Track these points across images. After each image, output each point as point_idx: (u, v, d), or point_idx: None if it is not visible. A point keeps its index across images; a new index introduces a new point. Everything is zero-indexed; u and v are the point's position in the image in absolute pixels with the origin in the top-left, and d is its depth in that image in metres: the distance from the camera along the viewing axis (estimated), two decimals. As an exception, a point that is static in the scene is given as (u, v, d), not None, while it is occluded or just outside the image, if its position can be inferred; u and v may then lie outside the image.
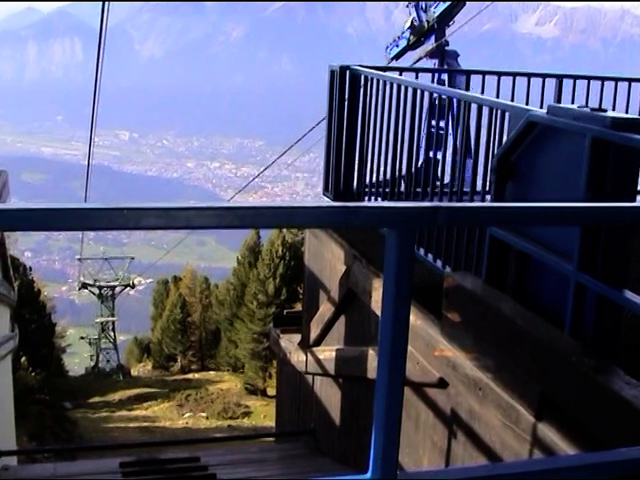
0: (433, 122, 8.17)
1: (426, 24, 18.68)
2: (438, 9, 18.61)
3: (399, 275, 2.17)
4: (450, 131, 7.23)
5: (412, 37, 18.86)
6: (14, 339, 13.52)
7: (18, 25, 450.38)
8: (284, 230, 46.81)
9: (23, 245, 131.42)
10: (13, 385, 14.32)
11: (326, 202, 2.26)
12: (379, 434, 2.33)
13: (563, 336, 5.02)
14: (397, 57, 19.51)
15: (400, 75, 8.76)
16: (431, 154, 7.67)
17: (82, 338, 72.31)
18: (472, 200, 6.88)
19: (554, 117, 5.26)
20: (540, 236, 5.30)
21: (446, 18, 18.76)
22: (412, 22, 19.07)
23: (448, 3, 18.42)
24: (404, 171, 8.11)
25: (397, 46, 19.66)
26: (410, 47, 18.75)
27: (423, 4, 18.57)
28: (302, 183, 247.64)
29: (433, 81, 8.76)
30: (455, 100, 7.04)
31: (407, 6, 19.26)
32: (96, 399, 47.66)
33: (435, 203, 2.18)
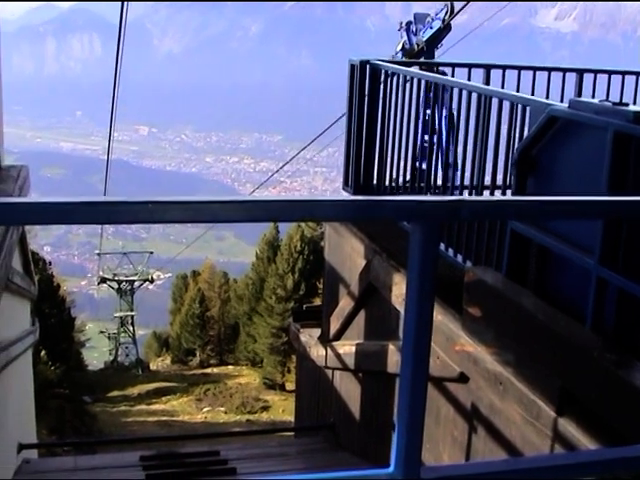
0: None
1: (416, 47, 19.79)
2: (426, 34, 19.19)
3: (423, 269, 2.17)
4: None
5: (404, 58, 19.70)
6: (35, 333, 13.58)
7: (37, 21, 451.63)
8: (303, 225, 46.85)
9: (42, 240, 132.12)
10: (33, 379, 14.38)
11: (350, 196, 2.26)
12: (402, 429, 2.33)
13: (584, 331, 5.01)
14: None
15: (420, 69, 8.76)
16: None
17: (101, 332, 72.63)
18: (492, 195, 6.88)
19: (576, 111, 5.24)
20: (561, 230, 5.29)
21: (434, 42, 19.78)
22: (403, 45, 20.18)
23: (436, 28, 18.99)
24: (424, 167, 8.11)
25: None
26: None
27: (414, 28, 19.24)
28: (321, 178, 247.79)
29: (453, 75, 8.74)
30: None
31: (399, 30, 19.87)
32: (115, 393, 47.80)
33: (459, 197, 2.18)
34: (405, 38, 19.39)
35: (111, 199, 1.98)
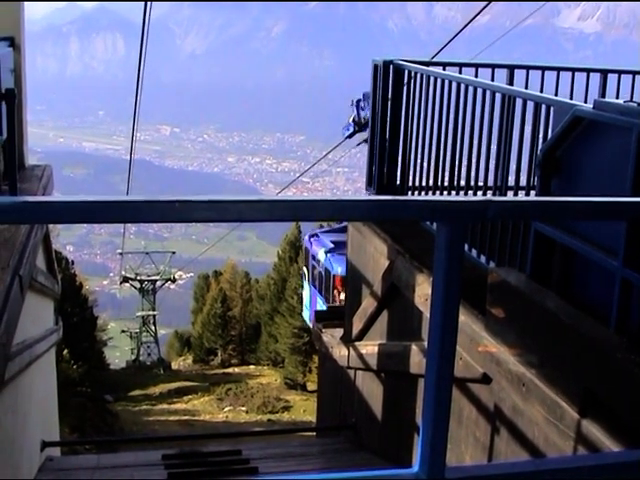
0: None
1: (363, 120, 22.52)
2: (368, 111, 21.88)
3: (449, 269, 2.17)
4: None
5: (355, 127, 23.12)
6: (58, 332, 13.64)
7: (60, 21, 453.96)
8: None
9: (65, 239, 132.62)
10: (56, 377, 14.45)
11: (376, 196, 2.27)
12: (427, 429, 2.34)
13: (608, 332, 4.99)
14: (350, 137, 24.12)
15: (444, 70, 8.74)
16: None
17: (123, 331, 72.82)
18: (516, 195, 6.86)
19: (600, 112, 5.22)
20: (585, 232, 5.27)
21: None
22: (354, 118, 23.31)
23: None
24: (447, 167, 8.09)
25: (348, 130, 23.94)
26: (355, 133, 23.13)
27: (362, 104, 22.03)
28: (342, 178, 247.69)
29: (477, 76, 8.72)
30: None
31: (351, 105, 23.20)
32: (137, 392, 47.99)
33: (486, 197, 2.19)
34: (355, 113, 22.47)
35: (138, 198, 1.99)
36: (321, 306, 22.60)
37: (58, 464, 11.26)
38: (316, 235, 24.27)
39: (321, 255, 22.61)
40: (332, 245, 22.55)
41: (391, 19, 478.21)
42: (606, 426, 4.76)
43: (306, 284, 24.78)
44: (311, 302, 24.44)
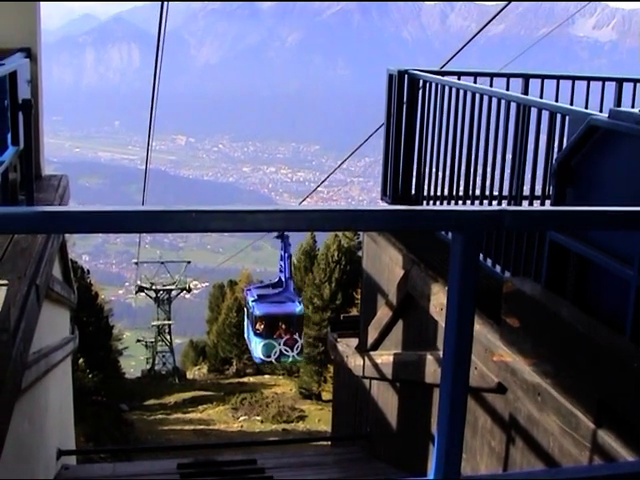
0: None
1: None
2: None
3: (464, 279, 2.17)
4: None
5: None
6: (74, 341, 13.66)
7: (76, 32, 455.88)
8: (340, 234, 46.84)
9: (81, 249, 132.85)
10: (72, 386, 14.47)
11: (392, 206, 2.28)
12: (442, 439, 2.34)
13: (624, 341, 4.97)
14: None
15: (459, 79, 8.75)
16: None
17: (138, 341, 72.74)
18: (531, 205, 6.86)
19: (616, 121, 5.21)
20: (600, 241, 5.26)
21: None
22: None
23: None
24: (463, 175, 8.09)
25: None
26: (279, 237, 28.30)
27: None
28: (357, 188, 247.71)
29: (492, 85, 8.72)
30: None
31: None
32: (152, 401, 47.96)
33: (501, 207, 2.20)
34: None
35: (156, 208, 2.00)
36: (249, 333, 31.86)
37: (74, 473, 11.29)
38: (250, 289, 32.59)
39: (250, 302, 30.54)
40: (256, 297, 30.09)
41: (405, 29, 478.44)
42: (621, 436, 4.75)
43: (246, 318, 33.25)
44: (247, 329, 32.79)
